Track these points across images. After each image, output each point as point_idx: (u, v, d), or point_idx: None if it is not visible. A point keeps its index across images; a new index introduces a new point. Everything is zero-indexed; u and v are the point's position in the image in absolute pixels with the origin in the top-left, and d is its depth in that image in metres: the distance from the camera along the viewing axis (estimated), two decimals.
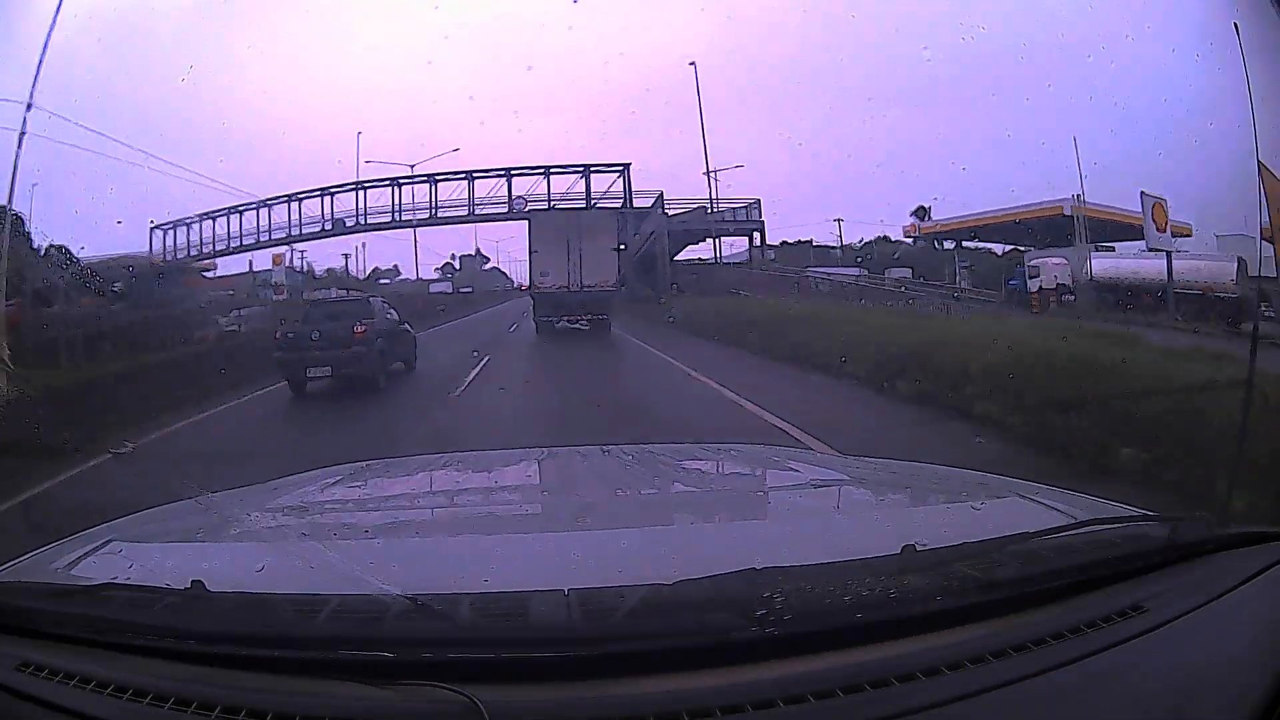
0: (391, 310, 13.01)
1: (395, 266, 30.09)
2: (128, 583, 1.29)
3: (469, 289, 31.42)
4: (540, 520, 1.95)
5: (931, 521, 1.64)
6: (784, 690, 0.97)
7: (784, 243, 26.09)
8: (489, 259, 32.29)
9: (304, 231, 23.81)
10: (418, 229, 25.49)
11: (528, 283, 19.37)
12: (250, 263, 25.25)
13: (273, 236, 23.55)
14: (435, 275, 30.67)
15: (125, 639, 1.09)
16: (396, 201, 24.39)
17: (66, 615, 1.17)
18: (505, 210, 24.59)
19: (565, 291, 17.96)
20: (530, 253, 18.58)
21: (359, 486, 2.19)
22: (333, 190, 24.35)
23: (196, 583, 1.14)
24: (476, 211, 24.83)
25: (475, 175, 24.68)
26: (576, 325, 18.28)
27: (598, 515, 1.80)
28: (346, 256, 27.59)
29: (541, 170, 24.17)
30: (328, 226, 23.98)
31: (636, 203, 24.52)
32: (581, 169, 23.97)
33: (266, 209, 23.60)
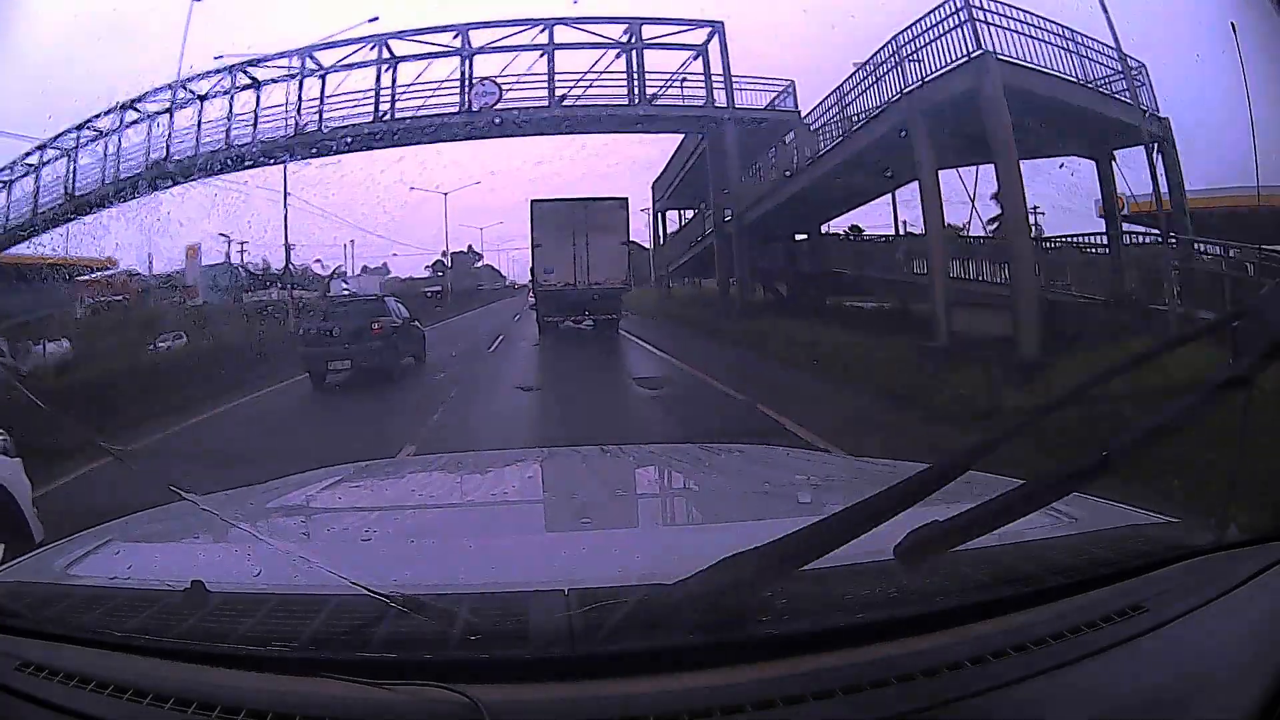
0: (404, 309, 13.93)
1: (384, 265, 25.35)
2: (127, 582, 1.30)
3: (437, 289, 23.85)
4: (540, 520, 1.95)
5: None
6: (784, 690, 0.97)
7: (831, 234, 19.40)
8: (481, 255, 28.49)
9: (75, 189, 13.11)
10: (289, 163, 14.01)
11: (528, 279, 18.88)
12: (149, 257, 16.29)
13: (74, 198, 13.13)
14: (426, 274, 25.99)
15: (125, 639, 1.09)
16: (252, 111, 12.29)
17: (66, 615, 1.17)
18: (457, 110, 13.24)
19: (571, 289, 17.56)
20: (533, 247, 17.97)
21: (359, 487, 2.19)
22: (138, 108, 12.28)
23: (196, 583, 1.15)
24: (399, 115, 12.50)
25: (394, 47, 11.94)
26: (582, 325, 18.13)
27: (598, 515, 1.80)
28: (290, 248, 18.42)
29: (540, 35, 12.44)
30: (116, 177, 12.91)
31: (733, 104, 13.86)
32: (625, 31, 12.94)
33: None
